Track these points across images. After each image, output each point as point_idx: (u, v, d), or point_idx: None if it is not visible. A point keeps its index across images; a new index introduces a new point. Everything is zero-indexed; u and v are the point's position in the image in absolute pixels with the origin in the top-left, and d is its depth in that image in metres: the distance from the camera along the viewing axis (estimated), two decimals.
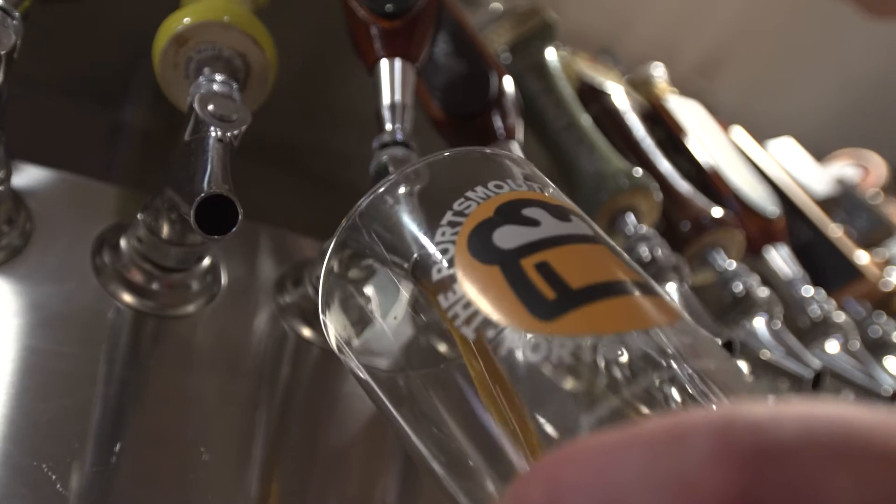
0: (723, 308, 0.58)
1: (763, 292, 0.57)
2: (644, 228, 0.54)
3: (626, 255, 0.24)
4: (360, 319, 0.26)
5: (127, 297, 0.40)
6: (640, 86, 0.86)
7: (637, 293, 0.21)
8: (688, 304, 0.48)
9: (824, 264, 0.74)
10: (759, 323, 0.55)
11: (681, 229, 0.60)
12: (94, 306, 0.39)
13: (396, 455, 0.45)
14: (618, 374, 0.19)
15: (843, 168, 1.06)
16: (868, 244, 0.88)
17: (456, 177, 0.26)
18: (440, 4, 0.61)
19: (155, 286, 0.40)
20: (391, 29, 0.47)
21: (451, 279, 0.22)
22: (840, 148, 1.19)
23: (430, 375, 0.23)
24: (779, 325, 0.55)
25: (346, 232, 0.26)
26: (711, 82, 1.19)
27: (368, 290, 0.26)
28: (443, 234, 0.23)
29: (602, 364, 0.19)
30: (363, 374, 0.25)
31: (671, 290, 0.49)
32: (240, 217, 0.31)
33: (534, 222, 0.23)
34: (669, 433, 0.14)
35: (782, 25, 1.22)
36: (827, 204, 0.85)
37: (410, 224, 0.24)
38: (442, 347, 0.23)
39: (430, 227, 0.23)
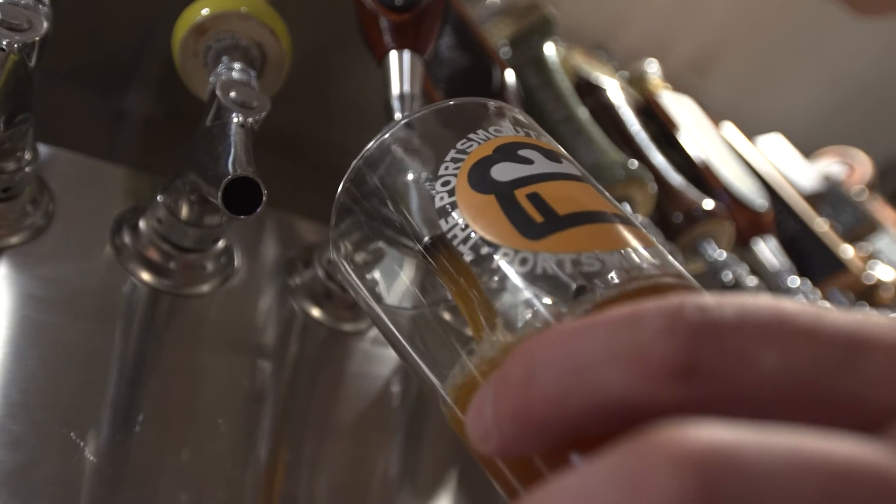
0: None
1: (751, 282, 0.59)
2: (639, 218, 0.56)
3: (609, 195, 0.27)
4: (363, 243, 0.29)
5: (145, 276, 0.42)
6: (635, 81, 0.88)
7: (616, 222, 0.24)
8: None
9: (810, 257, 0.76)
10: None
11: (673, 220, 0.62)
12: (113, 284, 0.41)
13: (399, 430, 0.47)
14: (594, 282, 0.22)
15: (829, 165, 1.09)
16: (852, 238, 0.90)
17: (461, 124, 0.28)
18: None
19: (172, 265, 0.42)
20: (400, 22, 0.48)
21: (452, 206, 0.24)
22: (827, 145, 1.21)
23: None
24: None
25: (356, 171, 0.28)
26: (703, 79, 1.21)
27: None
28: (445, 168, 0.25)
29: (580, 274, 0.22)
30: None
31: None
32: (264, 198, 0.32)
33: (528, 161, 0.25)
34: (629, 315, 0.17)
35: (773, 24, 1.24)
36: (813, 199, 0.87)
37: (415, 165, 0.26)
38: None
39: (435, 165, 0.26)
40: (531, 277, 0.22)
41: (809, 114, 1.34)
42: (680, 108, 0.84)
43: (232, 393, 0.41)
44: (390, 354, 0.48)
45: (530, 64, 0.67)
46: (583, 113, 0.63)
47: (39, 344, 0.37)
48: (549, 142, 0.28)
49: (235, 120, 0.36)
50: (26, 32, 0.33)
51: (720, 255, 0.61)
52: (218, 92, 0.37)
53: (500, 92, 0.55)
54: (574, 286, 0.22)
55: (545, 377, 0.17)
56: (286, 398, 0.43)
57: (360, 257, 0.28)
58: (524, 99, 0.61)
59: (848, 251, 0.80)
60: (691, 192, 0.64)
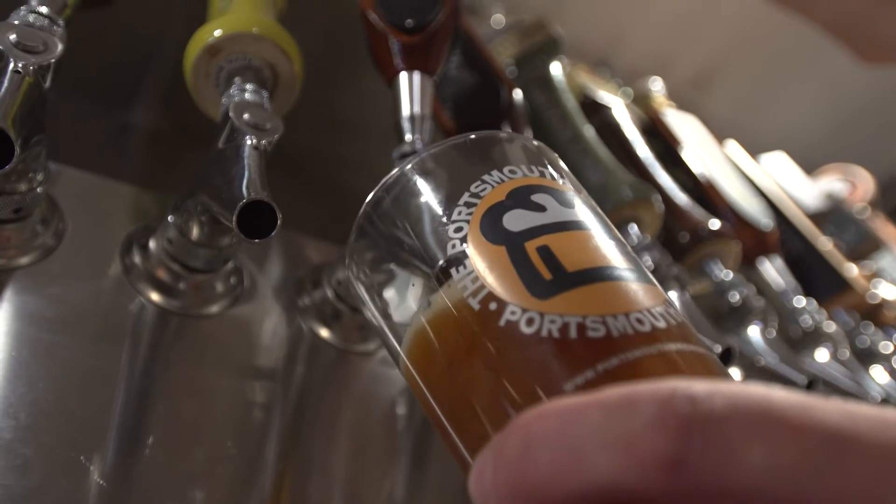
0: (719, 316, 0.60)
1: (758, 302, 0.59)
2: (647, 239, 0.56)
3: (624, 243, 0.26)
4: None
5: (154, 296, 0.41)
6: (639, 99, 0.88)
7: (625, 279, 0.24)
8: (689, 312, 0.50)
9: (815, 276, 0.76)
10: (754, 331, 0.57)
11: (679, 240, 0.62)
12: (122, 304, 0.41)
13: (406, 452, 0.46)
14: (595, 350, 0.21)
15: (831, 182, 1.09)
16: (856, 257, 0.91)
17: (475, 158, 0.28)
18: (455, 18, 0.63)
19: (182, 286, 0.42)
20: (410, 43, 0.48)
21: (464, 255, 0.24)
22: (829, 162, 1.22)
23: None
24: (773, 333, 0.57)
25: (367, 213, 0.28)
26: (704, 95, 1.21)
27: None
28: (459, 213, 0.25)
29: (583, 339, 0.22)
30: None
31: (672, 298, 0.51)
32: (279, 221, 0.32)
33: (541, 208, 0.25)
34: (623, 399, 0.17)
35: (773, 41, 1.25)
36: (817, 218, 0.88)
37: (431, 202, 0.26)
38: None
39: (448, 206, 0.26)
40: (536, 340, 0.22)
41: (810, 130, 1.35)
42: (684, 126, 0.84)
43: (240, 414, 0.41)
44: (398, 375, 0.48)
45: (537, 83, 0.67)
46: (589, 132, 0.64)
47: (48, 365, 0.36)
48: (566, 180, 0.28)
49: (249, 142, 0.36)
50: (41, 55, 0.33)
51: (727, 275, 0.61)
52: (231, 114, 0.37)
53: (507, 111, 0.55)
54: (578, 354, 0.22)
55: (540, 455, 0.17)
56: (294, 419, 0.43)
57: (373, 276, 0.28)
58: (531, 118, 0.61)
59: (852, 270, 0.80)
60: (697, 211, 0.64)
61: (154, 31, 0.71)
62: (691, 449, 0.16)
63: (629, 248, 0.26)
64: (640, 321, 0.22)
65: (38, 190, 0.38)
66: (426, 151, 0.28)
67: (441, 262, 0.25)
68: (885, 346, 0.73)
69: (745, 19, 1.23)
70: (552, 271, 0.23)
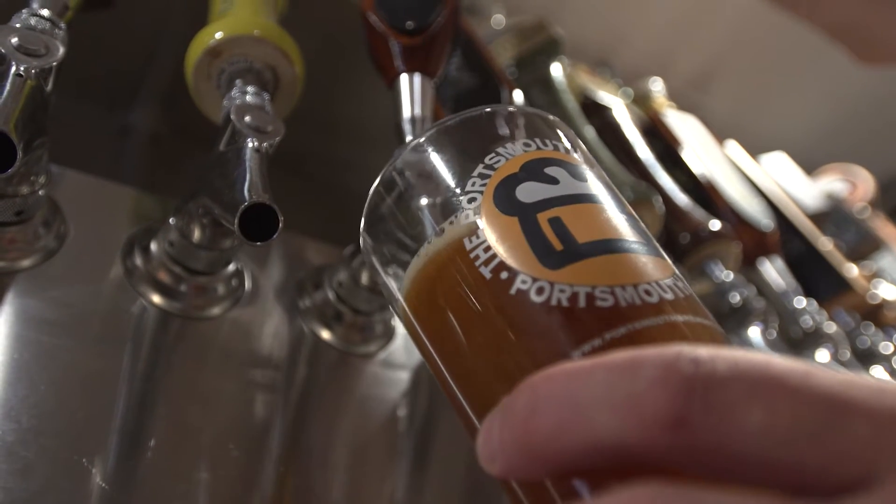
0: (720, 317, 0.60)
1: (759, 303, 0.59)
2: None
3: (635, 217, 0.27)
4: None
5: (156, 298, 0.41)
6: (640, 100, 0.88)
7: (635, 251, 0.24)
8: None
9: (815, 276, 0.76)
10: (754, 332, 0.57)
11: (680, 241, 0.62)
12: (124, 306, 0.41)
13: (407, 454, 0.47)
14: (602, 319, 0.22)
15: (832, 182, 1.09)
16: (856, 257, 0.91)
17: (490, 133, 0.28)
18: (455, 20, 0.63)
19: (183, 288, 0.42)
20: (411, 45, 0.48)
21: (476, 226, 0.25)
22: (829, 162, 1.22)
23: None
24: (774, 334, 0.57)
25: (387, 179, 0.28)
26: (704, 95, 1.21)
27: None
28: (472, 184, 0.26)
29: (592, 308, 0.22)
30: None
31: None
32: (280, 224, 0.32)
33: (554, 181, 0.25)
34: (628, 361, 0.18)
35: (773, 41, 1.25)
36: (817, 218, 0.88)
37: (445, 173, 0.27)
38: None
39: (462, 178, 0.26)
40: (546, 308, 0.22)
41: (810, 130, 1.35)
42: (684, 126, 0.84)
43: (242, 416, 0.41)
44: (400, 377, 0.48)
45: (537, 84, 0.67)
46: (589, 133, 0.64)
47: (50, 368, 0.36)
48: (576, 153, 0.28)
49: (251, 145, 0.36)
50: (43, 58, 0.33)
51: (727, 276, 0.61)
52: (233, 116, 0.37)
53: None
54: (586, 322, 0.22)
55: (546, 413, 0.18)
56: (296, 421, 0.43)
57: (386, 250, 0.28)
58: None
59: (852, 270, 0.80)
60: (698, 212, 0.64)
61: (155, 33, 0.71)
62: (692, 409, 0.16)
63: (641, 222, 0.27)
64: (648, 292, 0.23)
65: (40, 193, 0.38)
66: (442, 123, 0.28)
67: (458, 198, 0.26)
68: (886, 347, 0.73)
69: (744, 19, 1.23)
70: (563, 242, 0.23)
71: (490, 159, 0.26)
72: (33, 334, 0.37)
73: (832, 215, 0.94)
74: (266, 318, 0.45)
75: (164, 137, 0.74)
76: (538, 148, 0.27)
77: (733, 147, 0.91)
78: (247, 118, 0.37)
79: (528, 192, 0.25)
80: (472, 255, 0.24)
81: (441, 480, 0.47)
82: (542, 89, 0.67)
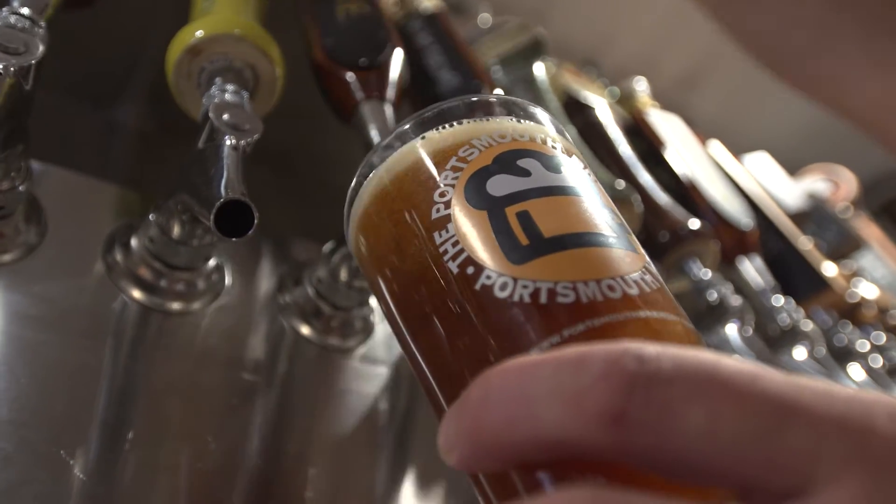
0: (697, 315, 0.61)
1: (736, 301, 0.60)
2: None
3: (612, 209, 0.26)
4: None
5: (136, 294, 0.42)
6: (624, 100, 0.89)
7: (602, 245, 0.24)
8: None
9: (794, 275, 0.77)
10: (731, 329, 0.58)
11: (659, 239, 0.63)
12: (104, 301, 0.41)
13: (386, 447, 0.47)
14: (562, 315, 0.22)
15: (814, 182, 1.10)
16: (837, 256, 0.92)
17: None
18: (435, 25, 0.64)
19: (163, 283, 0.42)
20: (366, 77, 0.50)
21: (447, 219, 0.25)
22: (813, 162, 1.23)
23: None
24: (750, 331, 0.58)
25: (364, 174, 0.28)
26: (690, 96, 1.22)
27: None
28: (445, 177, 0.26)
29: (553, 305, 0.22)
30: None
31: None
32: (256, 220, 0.33)
33: (525, 173, 0.25)
34: (576, 357, 0.18)
35: None
36: (798, 217, 0.89)
37: (420, 166, 0.26)
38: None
39: (437, 170, 0.26)
40: (508, 304, 0.23)
41: (794, 130, 1.36)
42: (667, 126, 0.85)
43: (221, 410, 0.42)
44: (379, 372, 0.48)
45: (520, 83, 0.68)
46: (570, 132, 0.64)
47: (30, 362, 0.37)
48: (555, 143, 0.28)
49: (228, 142, 0.37)
50: (22, 56, 0.34)
51: (705, 274, 0.62)
52: (211, 114, 0.38)
53: None
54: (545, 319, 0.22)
55: (496, 406, 0.18)
56: (275, 415, 0.44)
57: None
58: None
59: (832, 269, 0.81)
60: (677, 211, 0.65)
61: (141, 29, 0.71)
62: (632, 405, 0.16)
63: (617, 214, 0.27)
64: (611, 287, 0.23)
65: (20, 188, 0.39)
66: (419, 116, 0.28)
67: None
68: (862, 345, 0.74)
69: None
70: (529, 237, 0.24)
71: (464, 151, 0.26)
72: (15, 329, 0.37)
73: (813, 215, 0.95)
74: (246, 314, 0.46)
75: (150, 134, 0.74)
76: (513, 139, 0.27)
77: (716, 147, 0.91)
78: (225, 116, 0.38)
79: (499, 185, 0.25)
80: (441, 250, 0.24)
81: (421, 474, 0.48)
82: (524, 89, 0.67)
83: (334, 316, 0.47)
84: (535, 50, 0.70)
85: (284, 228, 0.54)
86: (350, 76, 0.51)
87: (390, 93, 0.51)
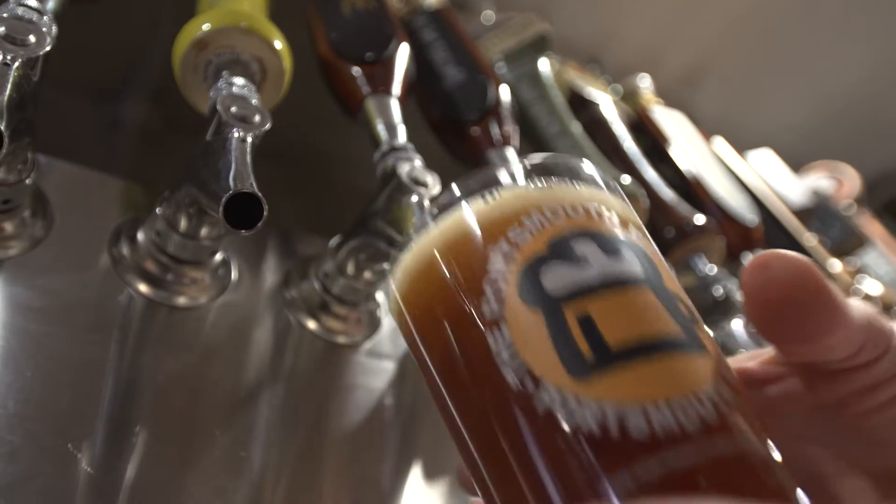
0: (703, 310, 0.60)
1: (741, 297, 0.60)
2: None
3: (675, 286, 0.24)
4: None
5: (142, 287, 0.42)
6: (628, 96, 0.89)
7: (676, 350, 0.22)
8: None
9: None
10: (736, 325, 0.58)
11: (665, 235, 0.63)
12: (110, 295, 0.41)
13: (392, 442, 0.47)
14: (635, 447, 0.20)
15: (818, 179, 1.10)
16: (841, 253, 0.91)
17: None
18: (440, 20, 0.64)
19: (170, 277, 0.42)
20: (372, 71, 0.50)
21: (501, 318, 0.22)
22: (816, 158, 1.23)
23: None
24: None
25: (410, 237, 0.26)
26: (694, 92, 1.22)
27: None
28: (495, 262, 0.23)
29: (622, 435, 0.20)
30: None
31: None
32: (265, 213, 0.33)
33: (583, 261, 0.23)
34: None
35: (763, 39, 1.26)
36: (803, 214, 0.89)
37: (466, 250, 0.24)
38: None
39: (485, 257, 0.23)
40: (570, 428, 0.20)
41: (798, 127, 1.36)
42: (671, 122, 0.85)
43: (228, 404, 0.42)
44: (385, 367, 0.48)
45: (525, 79, 0.68)
46: (576, 128, 0.64)
47: (36, 355, 0.37)
48: (607, 212, 0.25)
49: (236, 135, 0.36)
50: (30, 47, 0.34)
51: (711, 269, 0.62)
52: (219, 107, 0.38)
53: (495, 107, 0.56)
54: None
55: None
56: (281, 410, 0.44)
57: None
58: (519, 113, 0.61)
59: (835, 266, 0.81)
60: (682, 207, 0.65)
61: (146, 24, 0.71)
62: None
63: (680, 290, 0.24)
64: (688, 411, 0.20)
65: (27, 181, 0.39)
66: (455, 188, 0.25)
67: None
68: None
69: (734, 16, 1.24)
70: (593, 347, 0.21)
71: (514, 233, 0.23)
72: (20, 321, 0.37)
73: (818, 211, 0.95)
74: (252, 308, 0.46)
75: (154, 130, 0.74)
76: (567, 216, 0.24)
77: (720, 143, 0.91)
78: (232, 108, 0.38)
79: (555, 277, 0.22)
80: (496, 355, 0.22)
81: (427, 469, 0.48)
82: (529, 84, 0.67)
83: (340, 310, 0.47)
84: (539, 45, 0.70)
85: (290, 222, 0.54)
86: (356, 71, 0.51)
87: (396, 87, 0.51)
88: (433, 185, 0.42)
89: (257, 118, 0.38)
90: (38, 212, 0.41)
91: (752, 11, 1.22)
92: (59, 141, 0.61)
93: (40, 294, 0.39)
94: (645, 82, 0.91)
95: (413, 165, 0.43)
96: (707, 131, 0.92)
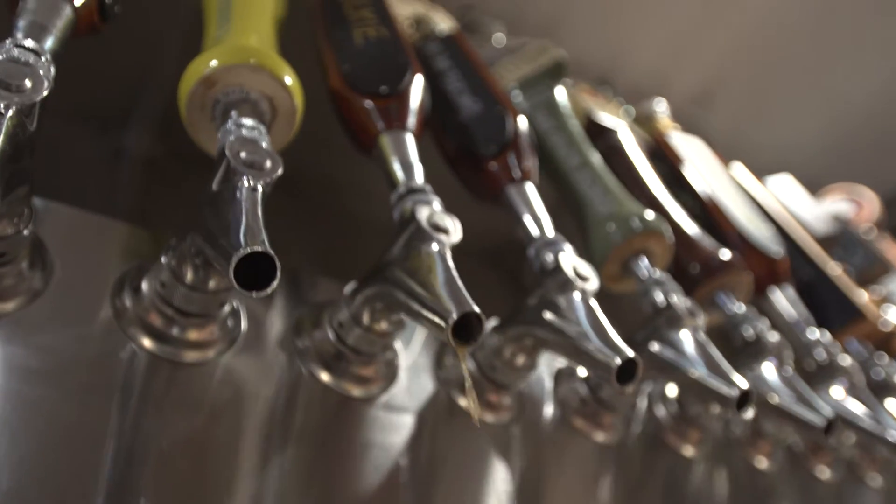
0: (732, 351, 0.58)
1: (773, 337, 0.57)
2: (658, 273, 0.54)
3: None
4: None
5: (146, 342, 0.39)
6: (643, 120, 0.87)
7: None
8: (704, 352, 0.48)
9: (826, 304, 0.74)
10: (768, 369, 0.55)
11: (690, 271, 0.60)
12: (113, 351, 0.39)
13: None
14: None
15: (837, 203, 1.07)
16: (865, 281, 0.89)
17: None
18: (454, 47, 0.62)
19: (175, 331, 0.40)
20: (387, 105, 0.48)
21: None
22: (830, 176, 1.20)
23: None
24: (790, 371, 0.55)
25: None
26: (705, 112, 1.20)
27: None
28: None
29: None
30: None
31: (686, 337, 0.49)
32: (278, 273, 0.30)
33: None
34: None
35: (774, 57, 1.24)
36: (826, 241, 0.86)
37: None
38: None
39: None
40: None
41: (812, 146, 1.34)
42: (689, 148, 0.82)
43: (236, 467, 0.39)
44: (403, 421, 0.46)
45: (542, 108, 0.65)
46: (596, 159, 0.62)
47: (33, 422, 0.34)
48: None
49: (246, 184, 0.34)
50: (26, 93, 0.31)
51: (739, 308, 0.59)
52: (227, 152, 0.35)
53: (513, 141, 0.54)
54: None
55: None
56: (293, 470, 0.41)
57: None
58: (536, 144, 0.59)
59: (863, 296, 0.78)
60: (707, 241, 0.62)
61: (149, 53, 0.69)
62: None
63: None
64: None
65: (25, 232, 0.36)
66: None
67: None
68: None
69: (744, 33, 1.22)
70: None
71: None
72: (15, 384, 0.35)
73: (840, 238, 0.92)
74: (263, 361, 0.43)
75: (158, 160, 0.72)
76: None
77: (739, 168, 0.89)
78: (242, 154, 0.35)
79: None
80: None
81: None
82: (546, 113, 0.65)
83: (356, 361, 0.44)
84: (555, 72, 0.68)
85: (301, 261, 0.52)
86: (369, 104, 0.49)
87: (412, 122, 0.49)
88: (454, 231, 0.40)
89: (268, 164, 0.35)
90: (36, 262, 0.39)
91: (762, 28, 1.20)
92: (59, 175, 0.59)
93: (37, 353, 0.36)
94: (661, 106, 0.89)
95: (433, 210, 0.40)
96: (717, 150, 0.89)
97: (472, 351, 0.38)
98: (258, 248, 0.30)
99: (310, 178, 0.69)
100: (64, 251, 0.41)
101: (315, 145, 0.58)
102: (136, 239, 0.45)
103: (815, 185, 1.14)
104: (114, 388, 0.37)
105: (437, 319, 0.35)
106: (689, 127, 0.94)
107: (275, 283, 0.30)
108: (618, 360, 0.40)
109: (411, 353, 0.49)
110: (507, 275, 0.82)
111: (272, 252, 0.30)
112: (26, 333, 0.36)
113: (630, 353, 0.40)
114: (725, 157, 0.90)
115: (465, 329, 0.35)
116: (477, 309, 0.35)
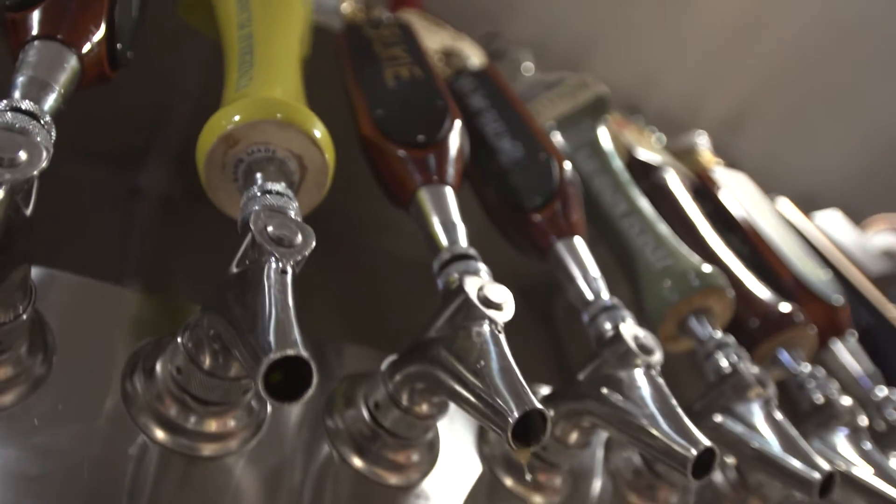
0: (798, 416, 0.53)
1: (846, 401, 0.52)
2: (719, 334, 0.49)
3: None
4: None
5: (159, 434, 0.35)
6: (684, 155, 0.82)
7: None
8: (778, 428, 0.43)
9: (887, 352, 0.69)
10: (841, 441, 0.50)
11: (749, 326, 0.56)
12: (122, 447, 0.34)
13: None
14: None
15: (883, 237, 1.02)
16: None
17: None
18: (488, 83, 0.57)
19: (193, 421, 0.35)
20: (424, 156, 0.44)
21: None
22: (863, 206, 1.15)
23: None
24: (869, 445, 0.50)
25: None
26: (736, 138, 1.16)
27: None
28: None
29: None
30: None
31: (755, 411, 0.44)
32: (315, 379, 0.26)
33: None
34: None
35: (804, 82, 1.20)
36: (880, 282, 0.81)
37: None
38: None
39: None
40: None
41: (843, 172, 1.30)
42: (735, 184, 0.77)
43: None
44: None
45: (583, 148, 0.61)
46: (644, 205, 0.57)
47: None
48: None
49: (274, 265, 0.29)
50: (20, 167, 0.27)
51: (805, 367, 0.54)
52: (252, 226, 0.31)
53: (560, 190, 0.49)
54: None
55: None
56: None
57: None
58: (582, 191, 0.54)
59: None
60: (764, 293, 0.57)
61: (166, 89, 0.66)
62: None
63: None
64: None
65: (24, 317, 0.32)
66: None
67: None
68: None
69: (777, 61, 1.18)
70: None
71: None
72: (12, 496, 0.30)
73: (893, 276, 0.87)
74: (288, 445, 0.39)
75: (175, 199, 0.69)
76: None
77: (785, 204, 0.84)
78: (269, 228, 0.31)
79: None
80: None
81: None
82: (588, 154, 0.60)
83: (393, 445, 0.40)
84: (598, 109, 0.63)
85: (331, 325, 0.47)
86: (405, 155, 0.44)
87: (451, 174, 0.45)
88: (507, 306, 0.35)
89: (299, 239, 0.31)
90: (36, 344, 0.34)
91: (793, 54, 1.17)
92: (76, 213, 0.55)
93: (37, 456, 0.32)
94: (702, 139, 0.84)
95: (483, 281, 0.36)
96: (749, 175, 0.84)
97: (534, 451, 0.33)
98: (290, 353, 0.25)
99: (344, 243, 0.65)
100: (69, 328, 0.36)
101: (347, 196, 0.54)
102: (147, 310, 0.40)
103: (849, 214, 1.10)
104: (121, 491, 0.33)
105: (494, 416, 0.30)
106: (718, 153, 0.90)
107: (310, 391, 0.26)
108: (694, 452, 0.35)
109: (451, 426, 0.44)
110: (537, 313, 0.77)
111: (306, 355, 0.26)
112: (25, 432, 0.32)
113: (707, 442, 0.35)
114: (756, 181, 0.85)
115: (524, 425, 0.30)
116: (540, 406, 0.30)
